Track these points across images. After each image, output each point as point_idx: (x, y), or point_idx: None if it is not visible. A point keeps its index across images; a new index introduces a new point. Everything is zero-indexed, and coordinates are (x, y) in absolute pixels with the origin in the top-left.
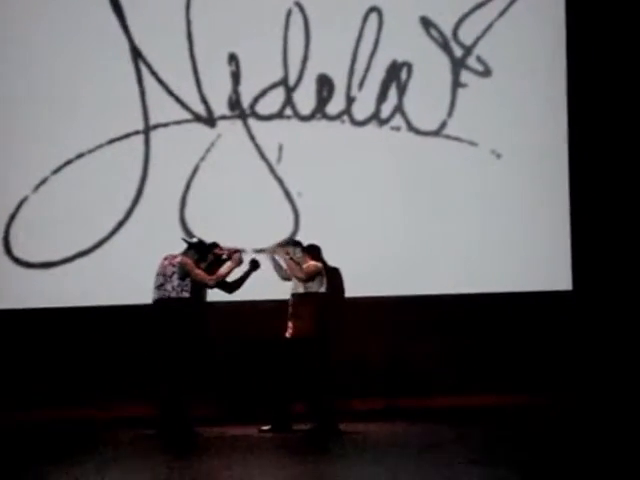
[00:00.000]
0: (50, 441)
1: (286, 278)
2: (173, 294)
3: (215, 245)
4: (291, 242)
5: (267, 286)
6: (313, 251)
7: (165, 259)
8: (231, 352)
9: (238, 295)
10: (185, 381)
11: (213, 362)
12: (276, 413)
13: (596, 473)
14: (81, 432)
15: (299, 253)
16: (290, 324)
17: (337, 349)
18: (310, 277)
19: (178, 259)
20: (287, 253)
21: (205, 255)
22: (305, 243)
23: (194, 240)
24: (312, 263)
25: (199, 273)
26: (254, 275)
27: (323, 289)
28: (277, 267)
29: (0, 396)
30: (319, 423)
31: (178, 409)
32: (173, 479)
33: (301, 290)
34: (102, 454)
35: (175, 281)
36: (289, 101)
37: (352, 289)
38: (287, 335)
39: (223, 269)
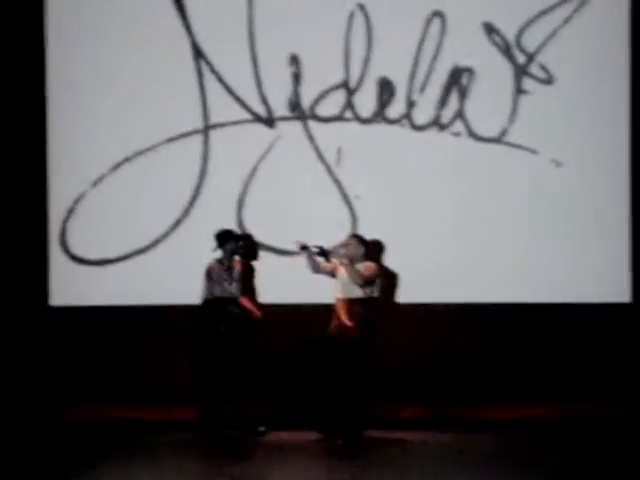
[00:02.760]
0: (96, 441)
1: (317, 272)
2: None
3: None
4: (357, 238)
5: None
6: (374, 250)
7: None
8: (282, 354)
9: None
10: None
11: (262, 365)
12: (323, 417)
13: None
14: (122, 434)
15: (361, 250)
16: (337, 324)
17: (382, 354)
18: (368, 282)
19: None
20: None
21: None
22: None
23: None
24: (370, 266)
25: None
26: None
27: (376, 292)
28: (313, 262)
29: (53, 393)
30: (351, 430)
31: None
32: None
33: (358, 294)
34: (136, 457)
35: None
36: (349, 103)
37: (408, 295)
38: (330, 333)
39: None
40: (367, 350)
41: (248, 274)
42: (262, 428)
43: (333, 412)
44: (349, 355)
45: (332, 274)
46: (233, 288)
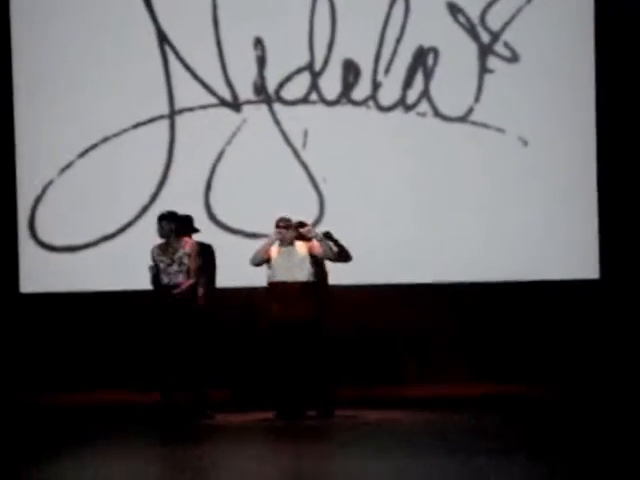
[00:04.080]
0: (69, 425)
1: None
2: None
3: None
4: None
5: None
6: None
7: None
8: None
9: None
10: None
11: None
12: (282, 398)
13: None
14: (92, 418)
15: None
16: (291, 306)
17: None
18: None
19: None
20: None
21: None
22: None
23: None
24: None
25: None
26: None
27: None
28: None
29: (24, 379)
30: (320, 409)
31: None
32: (174, 466)
33: (312, 278)
34: (105, 441)
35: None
36: (315, 86)
37: (377, 276)
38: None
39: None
40: (324, 331)
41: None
42: (209, 412)
43: (295, 394)
44: (312, 337)
45: (267, 259)
46: (171, 270)
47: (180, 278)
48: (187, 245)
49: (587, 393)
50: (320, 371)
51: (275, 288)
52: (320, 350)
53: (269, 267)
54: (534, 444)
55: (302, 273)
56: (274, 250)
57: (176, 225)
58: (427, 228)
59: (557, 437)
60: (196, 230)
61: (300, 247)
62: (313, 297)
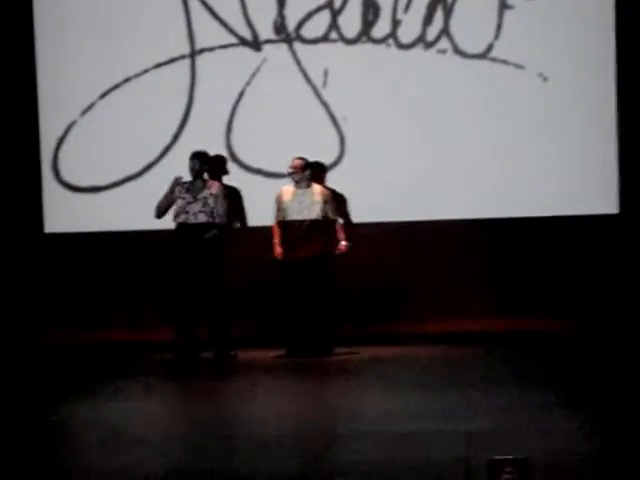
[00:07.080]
0: (89, 364)
1: None
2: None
3: None
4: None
5: None
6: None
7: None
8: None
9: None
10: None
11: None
12: (292, 335)
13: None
14: (115, 356)
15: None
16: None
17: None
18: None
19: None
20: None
21: None
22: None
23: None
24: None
25: None
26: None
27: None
28: None
29: (47, 319)
30: (320, 346)
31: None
32: (193, 402)
33: (321, 216)
34: (125, 379)
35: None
36: (334, 24)
37: (397, 213)
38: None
39: None
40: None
41: (229, 196)
42: (233, 352)
43: (304, 331)
44: (323, 274)
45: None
46: (193, 209)
47: (202, 218)
48: (213, 187)
49: (605, 327)
50: (325, 308)
51: (284, 226)
52: (326, 287)
53: (280, 209)
54: (551, 377)
55: (312, 214)
56: (288, 192)
57: (208, 165)
58: (447, 165)
59: (574, 370)
60: (225, 172)
61: (316, 191)
62: (322, 235)
